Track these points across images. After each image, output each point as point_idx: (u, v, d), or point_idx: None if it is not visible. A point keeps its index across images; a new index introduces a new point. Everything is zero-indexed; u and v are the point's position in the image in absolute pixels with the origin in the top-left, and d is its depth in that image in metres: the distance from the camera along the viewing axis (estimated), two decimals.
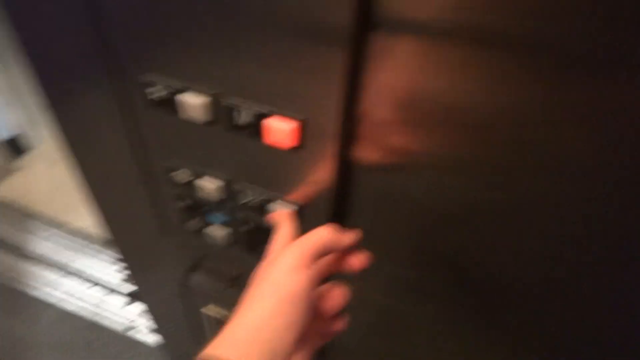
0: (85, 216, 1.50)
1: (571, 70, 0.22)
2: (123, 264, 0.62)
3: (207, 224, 0.43)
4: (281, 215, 0.35)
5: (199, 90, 0.31)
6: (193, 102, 0.32)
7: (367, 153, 0.31)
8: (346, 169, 0.32)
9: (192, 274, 0.54)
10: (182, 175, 0.39)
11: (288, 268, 0.28)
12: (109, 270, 1.36)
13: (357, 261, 0.32)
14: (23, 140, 1.73)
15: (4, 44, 1.92)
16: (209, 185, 0.38)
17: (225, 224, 0.42)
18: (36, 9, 0.33)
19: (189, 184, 0.39)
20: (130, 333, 1.23)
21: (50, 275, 1.35)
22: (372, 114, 0.28)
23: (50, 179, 1.66)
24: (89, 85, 0.36)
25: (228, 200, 0.39)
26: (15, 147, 1.70)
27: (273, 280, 0.28)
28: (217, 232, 0.43)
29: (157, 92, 0.33)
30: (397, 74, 0.26)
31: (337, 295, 0.31)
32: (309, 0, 0.24)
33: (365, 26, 0.24)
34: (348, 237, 0.31)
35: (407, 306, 0.41)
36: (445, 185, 0.30)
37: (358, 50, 0.25)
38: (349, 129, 0.30)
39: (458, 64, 0.24)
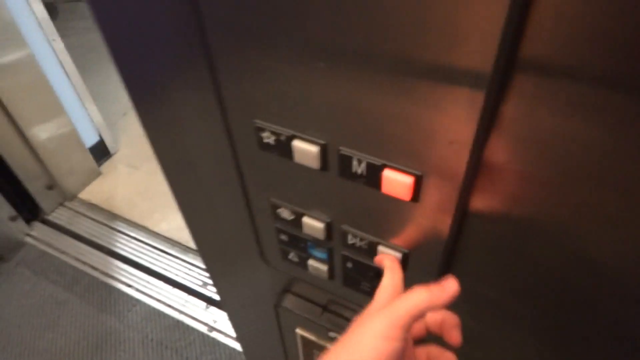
0: (162, 221, 1.58)
1: None
2: (209, 276, 0.64)
3: (308, 257, 0.43)
4: (390, 261, 0.35)
5: (314, 138, 0.31)
6: (307, 150, 0.32)
7: (484, 202, 0.30)
8: (460, 218, 0.31)
9: (285, 295, 0.55)
10: (287, 212, 0.39)
11: (378, 335, 0.28)
12: (192, 272, 1.42)
13: (454, 337, 0.31)
14: (105, 146, 1.84)
15: (91, 57, 2.05)
16: (315, 224, 0.38)
17: (325, 260, 0.42)
18: (159, 52, 0.34)
19: (294, 220, 0.39)
20: (214, 334, 1.28)
21: (139, 274, 1.43)
22: (498, 163, 0.27)
23: (131, 184, 1.75)
24: (203, 122, 0.37)
25: (332, 238, 0.39)
26: (99, 152, 1.81)
27: (360, 342, 0.28)
28: (317, 265, 0.43)
29: (269, 137, 0.33)
30: (534, 120, 0.24)
31: None
32: (444, 48, 0.23)
33: (505, 72, 0.23)
34: (446, 294, 0.29)
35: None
36: (568, 245, 0.28)
37: (494, 99, 0.24)
38: (470, 179, 0.28)
39: (607, 115, 0.22)
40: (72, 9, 2.81)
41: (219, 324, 1.30)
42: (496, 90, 0.23)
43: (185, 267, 1.44)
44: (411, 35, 0.22)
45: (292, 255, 0.45)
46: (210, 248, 0.59)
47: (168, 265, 1.45)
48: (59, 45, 1.52)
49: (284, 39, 0.26)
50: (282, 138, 0.32)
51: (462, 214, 0.30)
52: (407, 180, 0.29)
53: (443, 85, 0.24)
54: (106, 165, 1.83)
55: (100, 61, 2.15)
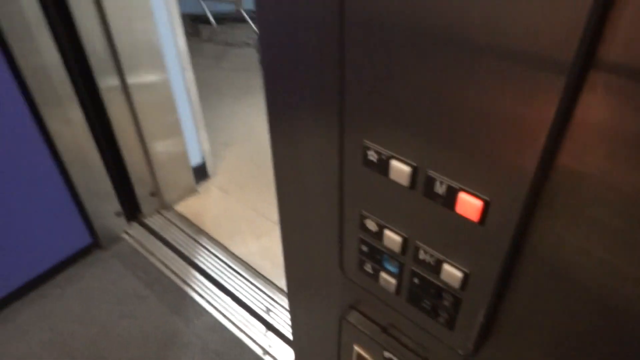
0: (240, 244, 1.71)
1: None
2: (285, 292, 0.72)
3: (380, 270, 0.51)
4: None
5: (408, 159, 0.40)
6: (401, 169, 0.40)
7: (542, 236, 0.36)
8: (521, 241, 0.37)
9: (351, 311, 0.62)
10: (373, 224, 0.47)
11: None
12: (258, 297, 1.52)
13: None
14: (206, 169, 2.04)
15: (206, 91, 2.31)
16: (394, 238, 0.46)
17: (395, 274, 0.49)
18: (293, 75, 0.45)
19: (377, 233, 0.47)
20: (267, 358, 1.34)
21: (211, 287, 1.55)
22: (565, 192, 0.34)
23: (220, 206, 1.92)
24: (321, 139, 0.47)
25: (405, 253, 0.46)
26: (199, 173, 2.02)
27: None
28: (387, 278, 0.50)
29: (373, 155, 0.42)
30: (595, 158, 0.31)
31: None
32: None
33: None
34: None
35: None
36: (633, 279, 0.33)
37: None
38: (531, 206, 0.35)
39: None
40: (199, 48, 3.20)
41: (273, 350, 1.36)
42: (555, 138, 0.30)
43: (253, 291, 1.53)
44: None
45: (367, 266, 0.52)
46: (295, 255, 0.68)
47: (238, 285, 1.55)
48: (190, 75, 1.77)
49: (402, 88, 0.36)
50: (383, 157, 0.41)
51: (521, 241, 0.37)
52: (477, 203, 0.36)
53: (504, 135, 0.32)
54: (203, 186, 2.02)
55: (212, 96, 2.43)
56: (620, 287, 0.33)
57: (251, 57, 3.07)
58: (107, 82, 1.50)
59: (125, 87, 1.54)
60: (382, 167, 0.42)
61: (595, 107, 0.28)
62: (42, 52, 1.29)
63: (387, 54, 0.36)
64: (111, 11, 1.39)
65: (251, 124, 2.39)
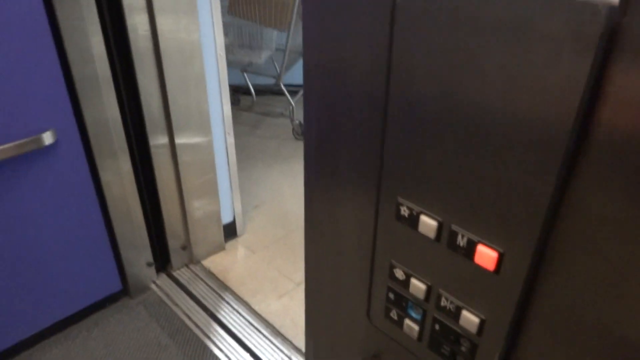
0: (262, 303, 1.75)
1: None
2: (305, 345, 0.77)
3: (405, 317, 0.57)
4: None
5: (435, 215, 0.47)
6: (429, 223, 0.48)
7: (557, 278, 0.42)
8: (532, 288, 0.43)
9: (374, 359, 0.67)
10: (401, 272, 0.54)
11: None
12: (277, 356, 1.54)
13: None
14: (235, 228, 2.13)
15: (240, 156, 2.46)
16: (420, 286, 0.52)
17: (418, 320, 0.55)
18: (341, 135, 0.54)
19: (404, 281, 0.54)
20: None
21: (232, 342, 1.58)
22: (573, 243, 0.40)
23: (245, 265, 1.98)
24: (359, 196, 0.55)
25: (428, 300, 0.53)
26: (228, 231, 2.10)
27: None
28: (411, 325, 0.56)
29: (405, 211, 0.50)
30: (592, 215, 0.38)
31: None
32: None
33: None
34: None
35: None
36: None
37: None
38: (540, 257, 0.42)
39: None
40: (238, 116, 3.41)
41: None
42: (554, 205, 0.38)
43: (272, 349, 1.56)
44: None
45: (393, 314, 0.58)
46: (319, 308, 0.74)
47: (258, 342, 1.58)
48: (231, 139, 1.91)
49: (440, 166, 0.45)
50: (414, 213, 0.49)
51: (532, 289, 0.43)
52: (493, 254, 0.43)
53: (508, 198, 0.39)
54: (230, 244, 2.10)
55: (245, 161, 2.58)
56: (627, 327, 0.39)
57: (284, 126, 3.25)
58: (157, 140, 1.65)
59: (172, 146, 1.68)
60: (413, 221, 0.49)
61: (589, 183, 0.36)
62: (106, 107, 1.45)
63: (422, 130, 0.45)
64: (170, 79, 1.56)
65: (279, 189, 2.51)
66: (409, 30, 0.43)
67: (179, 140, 1.68)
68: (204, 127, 1.74)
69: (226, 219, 2.06)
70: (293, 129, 3.13)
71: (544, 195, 0.38)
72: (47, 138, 1.35)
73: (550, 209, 0.38)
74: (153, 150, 1.65)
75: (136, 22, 1.45)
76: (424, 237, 0.49)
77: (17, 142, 1.30)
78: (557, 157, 0.36)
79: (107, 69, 1.42)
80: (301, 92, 3.26)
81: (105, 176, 1.53)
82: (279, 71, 3.03)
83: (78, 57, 1.35)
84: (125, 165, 1.57)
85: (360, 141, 0.53)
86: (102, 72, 1.41)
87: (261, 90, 3.54)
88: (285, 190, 2.51)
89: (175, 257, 1.91)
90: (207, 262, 1.97)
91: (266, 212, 2.30)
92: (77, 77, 1.36)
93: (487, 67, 0.38)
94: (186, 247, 1.92)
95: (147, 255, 1.79)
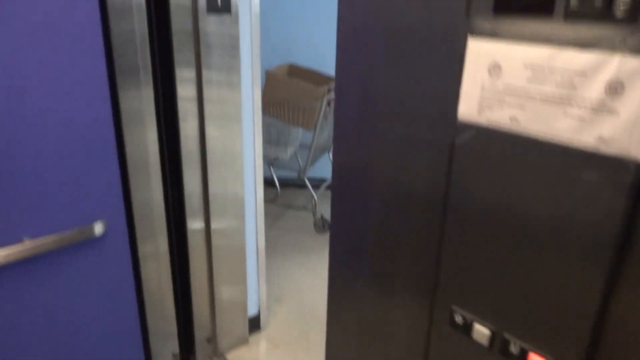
0: None
1: None
2: None
3: None
4: None
5: (488, 323, 0.53)
6: (482, 331, 0.53)
7: None
8: None
9: None
10: None
11: None
12: None
13: None
14: (259, 321, 2.14)
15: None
16: None
17: None
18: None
19: None
20: None
21: None
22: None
23: (268, 359, 1.97)
24: (413, 302, 0.62)
25: None
26: (253, 324, 2.11)
27: None
28: None
29: (459, 319, 0.56)
30: None
31: None
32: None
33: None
34: None
35: None
36: None
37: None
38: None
39: None
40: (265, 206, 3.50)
41: None
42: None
43: None
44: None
45: None
46: None
47: None
48: (261, 225, 1.99)
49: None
50: (468, 321, 0.55)
51: None
52: None
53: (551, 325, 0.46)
54: (254, 337, 2.10)
55: (266, 252, 2.64)
56: None
57: (306, 219, 3.34)
58: (194, 225, 1.74)
59: (208, 231, 1.77)
60: (466, 328, 0.55)
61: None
62: (152, 190, 1.55)
63: (478, 245, 0.53)
64: (212, 170, 1.68)
65: (300, 282, 2.54)
66: (466, 166, 0.53)
67: (214, 225, 1.76)
68: (238, 209, 1.83)
69: (251, 311, 2.08)
70: (314, 223, 3.21)
71: (592, 304, 0.44)
72: (98, 228, 1.43)
73: (597, 318, 0.44)
74: (190, 234, 1.73)
75: (188, 128, 1.61)
76: (477, 344, 0.55)
77: (66, 233, 1.34)
78: (602, 271, 0.43)
79: (158, 163, 1.55)
80: (324, 186, 3.40)
81: (146, 267, 1.60)
82: (302, 166, 3.19)
83: (134, 149, 1.48)
84: (162, 248, 1.64)
85: (417, 253, 0.60)
86: (153, 159, 1.53)
87: (285, 184, 3.69)
88: (305, 283, 2.53)
89: (200, 349, 1.91)
90: (231, 356, 1.96)
91: (288, 305, 2.31)
92: (131, 164, 1.48)
93: (535, 201, 0.47)
94: (211, 339, 1.93)
95: (174, 345, 1.80)
